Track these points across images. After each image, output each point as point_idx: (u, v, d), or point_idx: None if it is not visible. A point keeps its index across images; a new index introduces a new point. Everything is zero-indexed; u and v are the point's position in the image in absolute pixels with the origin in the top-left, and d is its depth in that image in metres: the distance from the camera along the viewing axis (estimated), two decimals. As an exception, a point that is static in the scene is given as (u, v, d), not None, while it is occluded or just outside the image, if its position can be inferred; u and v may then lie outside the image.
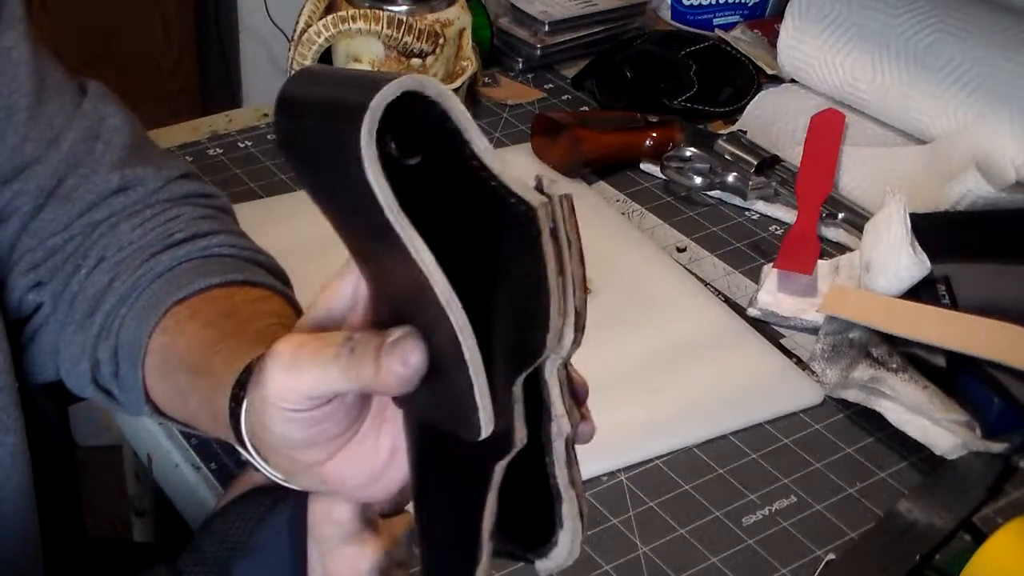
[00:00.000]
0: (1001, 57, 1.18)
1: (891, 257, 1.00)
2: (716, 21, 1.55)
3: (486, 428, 0.50)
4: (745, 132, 1.27)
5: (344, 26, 1.21)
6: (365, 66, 1.25)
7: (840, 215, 1.17)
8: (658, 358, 1.02)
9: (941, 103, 1.21)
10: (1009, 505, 0.92)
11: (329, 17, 1.21)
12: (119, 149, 0.80)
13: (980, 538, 0.87)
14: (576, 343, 0.51)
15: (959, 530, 0.89)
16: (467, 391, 0.49)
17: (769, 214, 1.22)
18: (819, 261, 1.11)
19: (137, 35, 2.35)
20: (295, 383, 0.54)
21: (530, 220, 0.48)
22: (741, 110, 1.35)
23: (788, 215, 1.20)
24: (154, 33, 2.38)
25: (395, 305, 0.53)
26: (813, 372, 1.02)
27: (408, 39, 1.22)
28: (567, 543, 0.54)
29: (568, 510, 0.54)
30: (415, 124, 0.49)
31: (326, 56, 1.25)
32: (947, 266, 1.01)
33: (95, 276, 0.76)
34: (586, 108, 1.39)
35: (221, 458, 0.93)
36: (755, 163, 1.22)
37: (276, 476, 0.63)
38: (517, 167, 1.22)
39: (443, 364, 0.50)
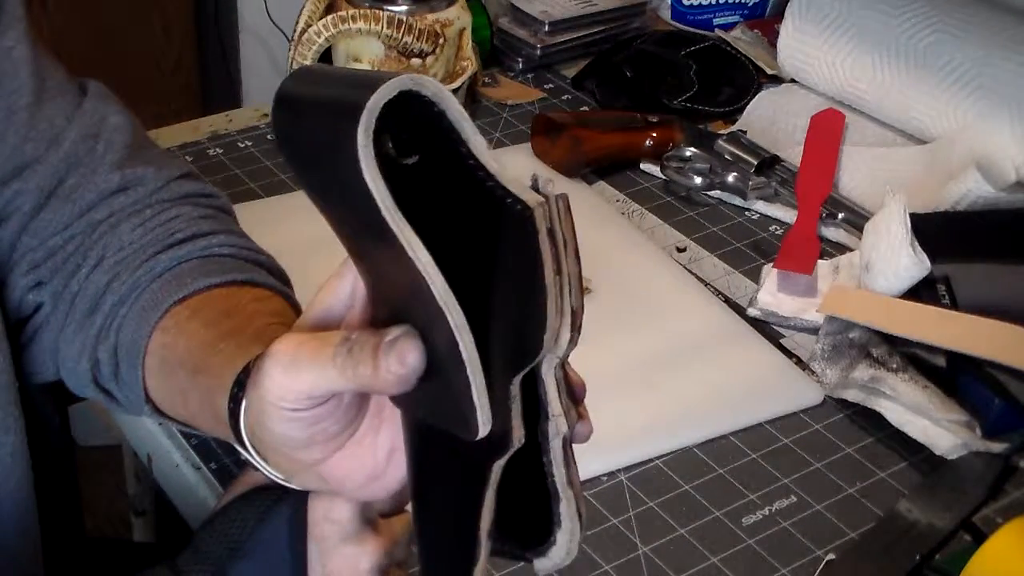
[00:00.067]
0: (1001, 57, 1.18)
1: (891, 257, 1.00)
2: (716, 21, 1.55)
3: (483, 428, 0.50)
4: (745, 132, 1.27)
5: (344, 26, 1.21)
6: (365, 66, 1.25)
7: (840, 215, 1.17)
8: (658, 358, 1.02)
9: (941, 103, 1.21)
10: (1009, 505, 0.92)
11: (329, 17, 1.21)
12: (119, 149, 0.80)
13: (980, 538, 0.87)
14: (573, 343, 0.51)
15: (959, 530, 0.89)
16: (464, 390, 0.49)
17: (769, 214, 1.22)
18: (819, 261, 1.11)
19: (137, 35, 2.35)
20: (293, 383, 0.54)
21: (527, 220, 0.48)
22: (741, 110, 1.35)
23: (788, 215, 1.20)
24: (154, 33, 2.38)
25: (393, 304, 0.53)
26: (813, 372, 1.02)
27: (408, 39, 1.22)
28: (565, 542, 0.54)
29: (566, 509, 0.54)
30: (413, 123, 0.49)
31: (326, 56, 1.25)
32: (947, 266, 1.01)
33: (95, 276, 0.76)
34: (586, 108, 1.39)
35: (221, 458, 0.93)
36: (755, 163, 1.22)
37: (276, 476, 0.63)
38: (517, 167, 1.22)
39: (441, 363, 0.50)
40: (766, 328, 1.08)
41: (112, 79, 0.85)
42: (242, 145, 1.28)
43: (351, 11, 1.21)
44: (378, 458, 0.59)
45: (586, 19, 1.47)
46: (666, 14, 1.56)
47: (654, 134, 1.27)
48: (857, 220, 1.15)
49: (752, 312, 1.09)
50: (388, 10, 1.22)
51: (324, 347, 0.54)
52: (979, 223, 1.11)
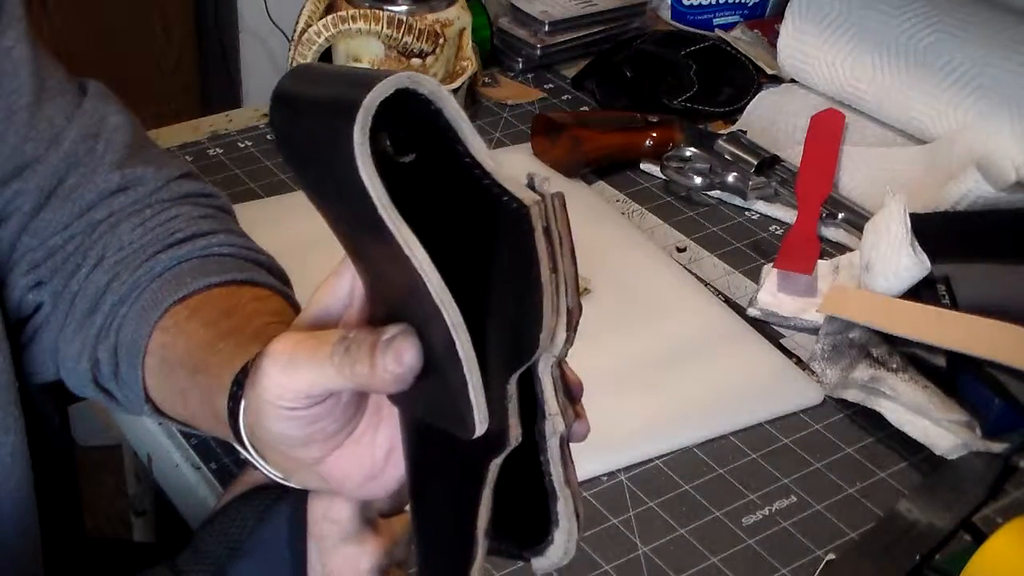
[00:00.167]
0: (1001, 57, 1.18)
1: (891, 257, 0.99)
2: (716, 21, 1.55)
3: (480, 426, 0.50)
4: (745, 132, 1.27)
5: (344, 26, 1.21)
6: (365, 66, 1.25)
7: (840, 215, 1.17)
8: (658, 358, 1.02)
9: (941, 103, 1.21)
10: (1009, 505, 0.92)
11: (329, 17, 1.21)
12: (119, 149, 0.80)
13: (980, 538, 0.87)
14: (569, 341, 0.51)
15: (959, 530, 0.89)
16: (461, 389, 0.49)
17: (769, 214, 1.22)
18: (819, 261, 1.11)
19: (137, 35, 2.35)
20: (291, 382, 0.55)
21: (523, 218, 0.48)
22: (741, 110, 1.35)
23: (788, 215, 1.20)
24: (154, 33, 2.38)
25: (390, 303, 0.53)
26: (813, 372, 1.02)
27: (408, 39, 1.22)
28: (562, 542, 0.54)
29: (563, 508, 0.54)
30: (410, 121, 0.49)
31: (326, 56, 1.25)
32: (947, 266, 1.01)
33: (95, 276, 0.76)
34: (586, 108, 1.39)
35: (221, 458, 0.93)
36: (755, 163, 1.22)
37: (275, 475, 0.63)
38: (517, 167, 1.22)
39: (438, 362, 0.51)
40: (766, 328, 1.08)
41: (112, 79, 0.85)
42: (242, 145, 1.29)
43: (351, 11, 1.21)
44: (376, 457, 0.59)
45: (586, 19, 1.47)
46: (666, 14, 1.56)
47: (654, 134, 1.27)
48: (857, 220, 1.15)
49: (752, 312, 1.09)
50: (388, 10, 1.22)
51: (322, 346, 0.54)
52: (979, 223, 1.11)
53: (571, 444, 0.54)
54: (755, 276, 1.13)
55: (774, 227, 1.21)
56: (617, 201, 1.24)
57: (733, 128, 1.30)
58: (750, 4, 1.55)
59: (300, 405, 0.55)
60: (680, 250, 1.18)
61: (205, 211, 0.81)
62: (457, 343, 0.48)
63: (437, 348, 0.50)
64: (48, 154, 0.78)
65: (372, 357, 0.51)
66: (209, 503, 0.90)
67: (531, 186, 0.49)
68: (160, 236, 0.77)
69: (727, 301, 1.11)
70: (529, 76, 1.44)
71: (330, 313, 0.58)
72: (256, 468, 0.64)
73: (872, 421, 0.97)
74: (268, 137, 1.30)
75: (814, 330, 1.05)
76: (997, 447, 0.94)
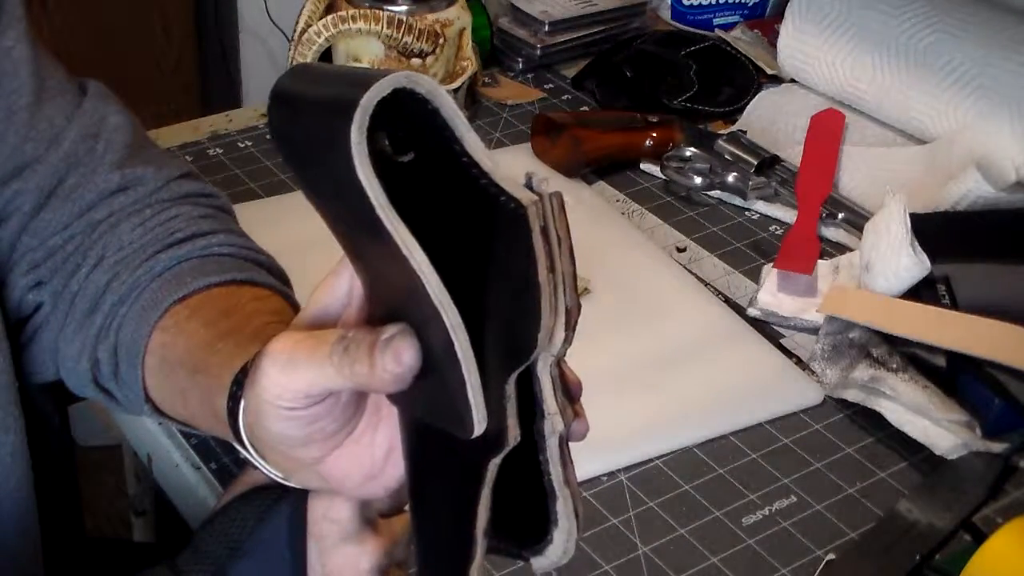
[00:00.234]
0: (1001, 57, 1.18)
1: (891, 257, 0.99)
2: (716, 21, 1.55)
3: (479, 426, 0.50)
4: (745, 132, 1.27)
5: (344, 26, 1.21)
6: (365, 66, 1.25)
7: (840, 215, 1.17)
8: (658, 358, 1.02)
9: (941, 103, 1.21)
10: (1009, 505, 0.92)
11: (329, 17, 1.21)
12: (119, 149, 0.80)
13: (980, 538, 0.87)
14: (568, 341, 0.51)
15: (959, 530, 0.89)
16: (460, 389, 0.49)
17: (769, 214, 1.22)
18: (819, 261, 1.11)
19: (137, 35, 2.35)
20: (291, 381, 0.55)
21: (521, 218, 0.48)
22: (741, 110, 1.35)
23: (788, 215, 1.20)
24: (154, 33, 2.38)
25: (389, 302, 0.53)
26: (813, 372, 1.02)
27: (408, 39, 1.22)
28: (562, 541, 0.54)
29: (562, 508, 0.54)
30: (408, 121, 0.49)
31: (326, 56, 1.25)
32: (947, 266, 1.01)
33: (95, 275, 0.76)
34: (586, 108, 1.39)
35: (221, 458, 0.93)
36: (755, 163, 1.22)
37: (275, 474, 0.63)
38: (517, 167, 1.21)
39: (436, 361, 0.51)
40: (766, 328, 1.08)
41: (112, 79, 0.85)
42: (242, 145, 1.29)
43: (351, 11, 1.21)
44: (376, 456, 0.59)
45: (586, 19, 1.47)
46: (666, 14, 1.56)
47: (654, 134, 1.27)
48: (857, 220, 1.15)
49: (752, 312, 1.09)
50: (388, 10, 1.22)
51: (320, 345, 0.54)
52: (979, 223, 1.11)
53: (570, 444, 0.54)
54: (755, 276, 1.13)
55: (774, 227, 1.21)
56: (617, 201, 1.24)
57: (733, 128, 1.30)
58: (750, 4, 1.55)
59: (299, 405, 0.55)
60: (680, 250, 1.18)
61: (205, 211, 0.81)
62: (455, 343, 0.48)
63: (436, 348, 0.50)
64: (48, 154, 0.78)
65: (371, 357, 0.51)
66: (209, 503, 0.90)
67: (529, 186, 0.49)
68: (160, 236, 0.77)
69: (727, 301, 1.11)
70: (529, 76, 1.44)
71: (329, 313, 0.58)
72: (256, 468, 0.64)
73: (872, 421, 0.97)
74: (268, 137, 1.30)
75: (814, 330, 1.05)
76: (997, 447, 0.94)
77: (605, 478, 0.92)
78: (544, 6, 1.46)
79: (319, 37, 1.21)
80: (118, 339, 0.75)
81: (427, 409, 0.53)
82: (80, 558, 0.97)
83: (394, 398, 0.55)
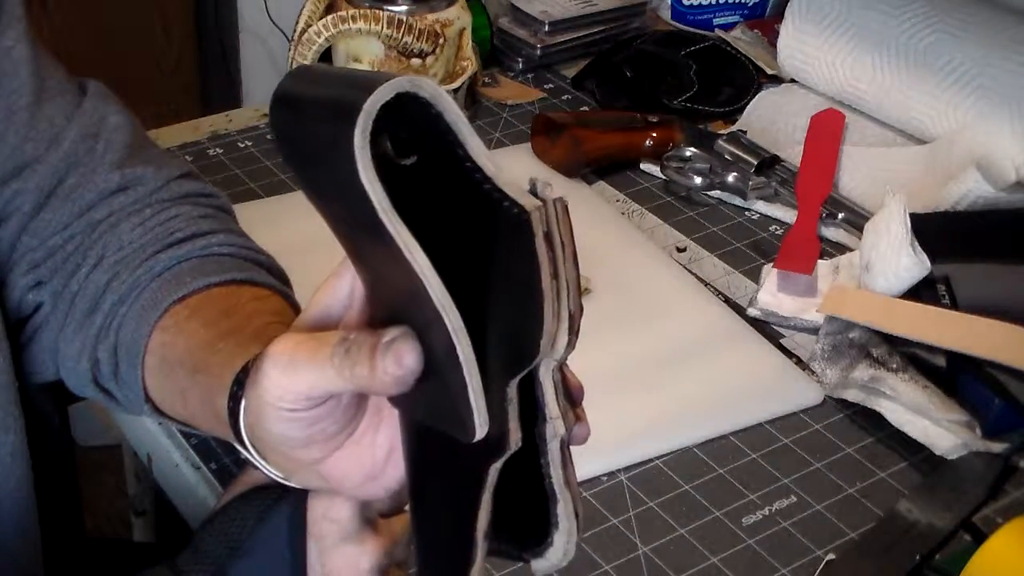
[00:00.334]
0: (1001, 57, 1.18)
1: (891, 257, 0.99)
2: (716, 21, 1.55)
3: (480, 430, 0.50)
4: (745, 132, 1.28)
5: (344, 26, 1.21)
6: (365, 66, 1.25)
7: (840, 215, 1.17)
8: (658, 358, 1.02)
9: (941, 103, 1.21)
10: (1009, 505, 0.92)
11: (329, 17, 1.21)
12: (119, 148, 0.80)
13: (980, 538, 0.87)
14: (571, 346, 0.51)
15: (959, 530, 0.89)
16: (461, 393, 0.49)
17: (769, 214, 1.22)
18: (819, 261, 1.11)
19: (137, 35, 2.35)
20: (292, 383, 0.54)
21: (524, 224, 0.48)
22: (741, 110, 1.35)
23: (788, 215, 1.20)
24: (154, 33, 2.38)
25: (391, 304, 0.53)
26: (813, 372, 1.02)
27: (408, 39, 1.22)
28: (562, 544, 0.54)
29: (563, 511, 0.54)
30: (411, 124, 0.49)
31: (326, 56, 1.25)
32: (947, 266, 1.01)
33: (95, 275, 0.76)
34: (586, 108, 1.39)
35: (221, 458, 0.93)
36: (755, 163, 1.22)
37: (275, 474, 0.63)
38: (517, 167, 1.22)
39: (438, 365, 0.50)
40: (766, 328, 1.08)
41: (112, 79, 0.85)
42: (242, 145, 1.29)
43: (351, 11, 1.21)
44: (377, 457, 0.59)
45: (586, 19, 1.47)
46: (666, 14, 1.56)
47: (654, 134, 1.27)
48: (857, 220, 1.15)
49: (752, 312, 1.09)
50: (388, 10, 1.22)
51: (322, 347, 0.54)
52: (979, 223, 1.11)
53: (571, 446, 0.54)
54: (755, 276, 1.13)
55: (774, 227, 1.21)
56: (617, 201, 1.24)
57: (733, 128, 1.30)
58: (750, 4, 1.55)
59: (300, 407, 0.55)
60: (680, 250, 1.18)
61: (205, 211, 0.81)
62: (458, 347, 0.48)
63: (437, 351, 0.50)
64: (48, 154, 0.78)
65: (372, 359, 0.51)
66: (209, 503, 0.90)
67: (533, 191, 0.49)
68: (160, 236, 0.77)
69: (727, 301, 1.11)
70: (529, 76, 1.44)
71: (330, 314, 0.58)
72: (256, 468, 0.64)
73: (872, 421, 0.97)
74: (268, 137, 1.30)
75: (814, 330, 1.05)
76: (997, 447, 0.94)
77: (605, 478, 0.92)
78: (544, 6, 1.46)
79: (319, 37, 1.21)
80: (118, 339, 0.75)
81: (428, 412, 0.53)
82: (80, 558, 0.97)
83: (395, 400, 0.55)
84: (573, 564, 0.56)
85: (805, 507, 0.91)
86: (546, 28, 1.44)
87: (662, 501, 0.90)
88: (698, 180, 1.23)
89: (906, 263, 0.99)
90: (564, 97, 1.41)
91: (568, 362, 0.53)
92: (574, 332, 0.50)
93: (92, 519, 1.54)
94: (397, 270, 0.49)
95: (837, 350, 1.01)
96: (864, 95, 1.28)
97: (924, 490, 0.92)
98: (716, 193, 1.24)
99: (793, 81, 1.37)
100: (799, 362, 1.04)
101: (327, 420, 0.56)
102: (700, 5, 1.54)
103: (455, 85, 1.28)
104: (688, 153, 1.25)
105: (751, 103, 1.35)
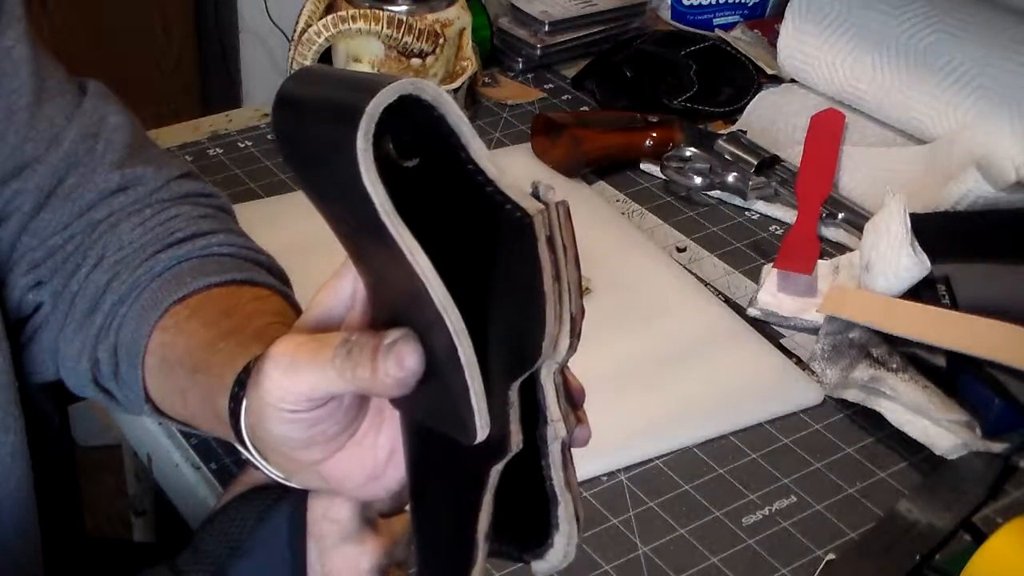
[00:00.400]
0: (1001, 57, 1.18)
1: (891, 257, 1.00)
2: (716, 21, 1.55)
3: (482, 432, 0.50)
4: (745, 132, 1.27)
5: (344, 26, 1.21)
6: (365, 66, 1.25)
7: (840, 215, 1.17)
8: (658, 358, 1.02)
9: (941, 103, 1.21)
10: (1009, 505, 0.92)
11: (329, 17, 1.21)
12: (119, 148, 0.80)
13: (980, 538, 0.87)
14: (572, 349, 0.51)
15: (959, 530, 0.89)
16: (463, 395, 0.49)
17: (769, 214, 1.22)
18: (819, 261, 1.11)
19: (137, 35, 2.35)
20: (293, 384, 0.54)
21: (526, 227, 0.48)
22: (741, 110, 1.35)
23: (788, 215, 1.20)
24: (154, 33, 2.38)
25: (393, 306, 0.53)
26: (813, 372, 1.02)
27: (408, 39, 1.22)
28: (562, 545, 0.54)
29: (564, 512, 0.54)
30: (413, 126, 0.49)
31: (326, 56, 1.25)
32: (947, 266, 1.01)
33: (95, 275, 0.76)
34: (586, 108, 1.39)
35: (221, 458, 0.93)
36: (755, 163, 1.22)
37: (276, 475, 0.63)
38: (517, 167, 1.22)
39: (440, 367, 0.50)
40: (766, 328, 1.08)
41: (112, 79, 0.85)
42: (242, 145, 1.29)
43: (351, 11, 1.21)
44: (378, 458, 0.59)
45: (586, 19, 1.47)
46: (666, 14, 1.56)
47: (654, 134, 1.27)
48: (857, 220, 1.15)
49: (752, 312, 1.09)
50: (388, 10, 1.22)
51: (323, 349, 0.54)
52: (979, 223, 1.11)
53: (572, 448, 0.54)
54: (755, 276, 1.13)
55: (774, 227, 1.21)
56: (617, 201, 1.24)
57: (733, 128, 1.30)
58: (750, 4, 1.55)
59: (302, 408, 0.55)
60: (680, 250, 1.18)
61: (205, 211, 0.81)
62: (459, 349, 0.48)
63: (439, 353, 0.50)
64: (48, 154, 0.78)
65: (374, 361, 0.51)
66: (209, 503, 0.90)
67: (535, 194, 0.49)
68: (160, 236, 0.77)
69: (727, 301, 1.11)
70: (529, 76, 1.44)
71: (332, 315, 0.58)
72: (257, 468, 0.64)
73: (872, 421, 0.97)
74: (268, 137, 1.30)
75: (814, 330, 1.05)
76: (997, 447, 0.94)
77: (605, 478, 0.92)
78: (544, 6, 1.46)
79: (319, 37, 1.21)
80: (118, 339, 0.75)
81: (429, 413, 0.53)
82: (80, 558, 0.97)
83: (396, 402, 0.55)
84: (573, 564, 0.56)
85: (805, 507, 0.91)
86: (546, 28, 1.44)
87: (662, 501, 0.90)
88: (698, 180, 1.23)
89: (906, 263, 0.99)
90: (564, 97, 1.41)
91: (568, 362, 0.53)
92: (575, 335, 0.50)
93: (92, 519, 1.54)
94: (399, 272, 0.49)
95: (837, 350, 1.01)
96: (864, 95, 1.28)
97: (924, 490, 0.92)
98: (716, 193, 1.24)
99: (793, 81, 1.37)
100: (799, 362, 1.04)
101: (328, 421, 0.56)
102: (700, 5, 1.54)
103: (455, 85, 1.28)
104: (688, 153, 1.25)
105: (751, 103, 1.35)
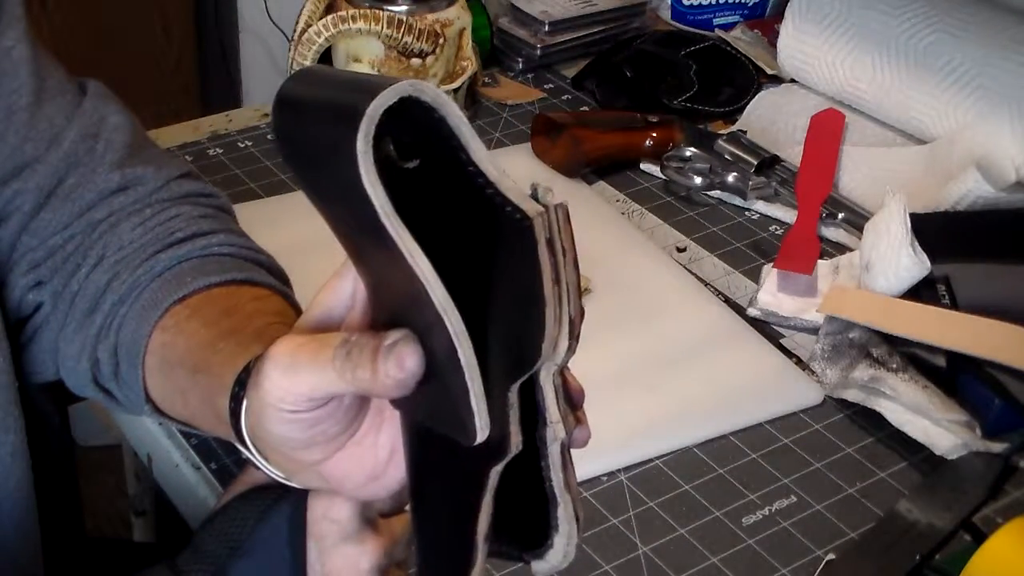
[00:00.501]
0: (1001, 57, 1.18)
1: (891, 257, 1.00)
2: (716, 21, 1.55)
3: (481, 433, 0.50)
4: (745, 132, 1.27)
5: (344, 26, 1.21)
6: (365, 66, 1.25)
7: (840, 215, 1.17)
8: (658, 358, 1.02)
9: (941, 103, 1.21)
10: (1009, 505, 0.92)
11: (329, 17, 1.21)
12: (119, 148, 0.80)
13: (980, 538, 0.87)
14: (571, 350, 0.51)
15: (959, 530, 0.89)
16: (463, 396, 0.49)
17: (769, 214, 1.22)
18: (819, 261, 1.11)
19: (137, 35, 2.35)
20: (293, 385, 0.54)
21: (526, 230, 0.48)
22: (741, 110, 1.35)
23: (788, 215, 1.20)
24: (154, 33, 2.38)
25: (393, 307, 0.53)
26: (813, 372, 1.02)
27: (408, 39, 1.22)
28: (562, 545, 0.55)
29: (563, 513, 0.54)
30: (414, 128, 0.49)
31: (326, 56, 1.25)
32: (947, 266, 1.01)
33: (95, 275, 0.76)
34: (586, 108, 1.39)
35: (221, 458, 0.93)
36: (755, 163, 1.22)
37: (276, 475, 0.63)
38: (517, 167, 1.22)
39: (439, 368, 0.50)
40: (766, 328, 1.08)
41: (112, 79, 0.85)
42: (242, 145, 1.29)
43: (351, 11, 1.21)
44: (378, 458, 0.59)
45: (586, 19, 1.47)
46: (666, 14, 1.56)
47: (654, 134, 1.27)
48: (857, 220, 1.15)
49: (752, 312, 1.09)
50: (388, 10, 1.22)
51: (323, 349, 0.54)
52: (979, 223, 1.11)
53: (572, 449, 0.54)
54: (755, 276, 1.13)
55: (774, 227, 1.21)
56: (617, 201, 1.24)
57: (733, 128, 1.30)
58: (750, 4, 1.55)
59: (302, 408, 0.55)
60: (680, 250, 1.18)
61: (205, 211, 0.81)
62: (459, 350, 0.48)
63: (439, 354, 0.50)
64: (48, 154, 0.78)
65: (374, 362, 0.51)
66: (209, 503, 0.90)
67: (535, 196, 0.49)
68: (160, 236, 0.77)
69: (727, 301, 1.11)
70: (529, 76, 1.44)
71: (332, 316, 0.58)
72: (257, 468, 0.64)
73: (872, 421, 0.97)
74: (268, 137, 1.30)
75: (814, 330, 1.05)
76: (997, 447, 0.94)
77: (605, 478, 0.92)
78: (544, 6, 1.46)
79: (319, 37, 1.21)
80: (118, 339, 0.75)
81: (430, 414, 0.53)
82: (80, 558, 0.97)
83: (396, 403, 0.55)
84: (573, 564, 0.56)
85: (805, 507, 0.91)
86: (546, 28, 1.44)
87: (662, 501, 0.90)
88: (698, 180, 1.23)
89: (906, 263, 0.99)
90: (564, 97, 1.41)
91: (568, 363, 0.54)
92: (575, 337, 0.51)
93: (92, 519, 1.54)
94: (399, 273, 0.49)
95: (837, 350, 1.01)
96: (864, 95, 1.28)
97: (924, 490, 0.92)
98: (716, 193, 1.24)
99: (793, 81, 1.37)
100: (799, 362, 1.04)
101: (328, 421, 0.56)
102: (700, 5, 1.54)
103: (455, 85, 1.28)
104: (688, 153, 1.25)
105: (751, 103, 1.35)
